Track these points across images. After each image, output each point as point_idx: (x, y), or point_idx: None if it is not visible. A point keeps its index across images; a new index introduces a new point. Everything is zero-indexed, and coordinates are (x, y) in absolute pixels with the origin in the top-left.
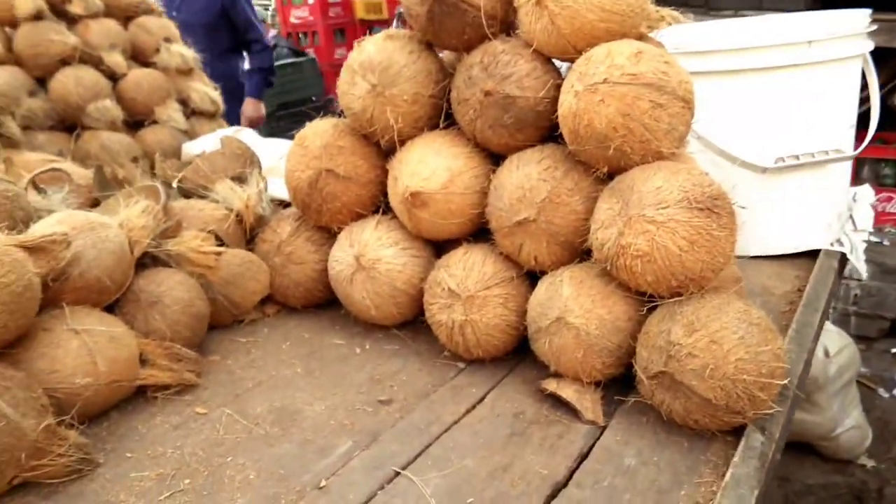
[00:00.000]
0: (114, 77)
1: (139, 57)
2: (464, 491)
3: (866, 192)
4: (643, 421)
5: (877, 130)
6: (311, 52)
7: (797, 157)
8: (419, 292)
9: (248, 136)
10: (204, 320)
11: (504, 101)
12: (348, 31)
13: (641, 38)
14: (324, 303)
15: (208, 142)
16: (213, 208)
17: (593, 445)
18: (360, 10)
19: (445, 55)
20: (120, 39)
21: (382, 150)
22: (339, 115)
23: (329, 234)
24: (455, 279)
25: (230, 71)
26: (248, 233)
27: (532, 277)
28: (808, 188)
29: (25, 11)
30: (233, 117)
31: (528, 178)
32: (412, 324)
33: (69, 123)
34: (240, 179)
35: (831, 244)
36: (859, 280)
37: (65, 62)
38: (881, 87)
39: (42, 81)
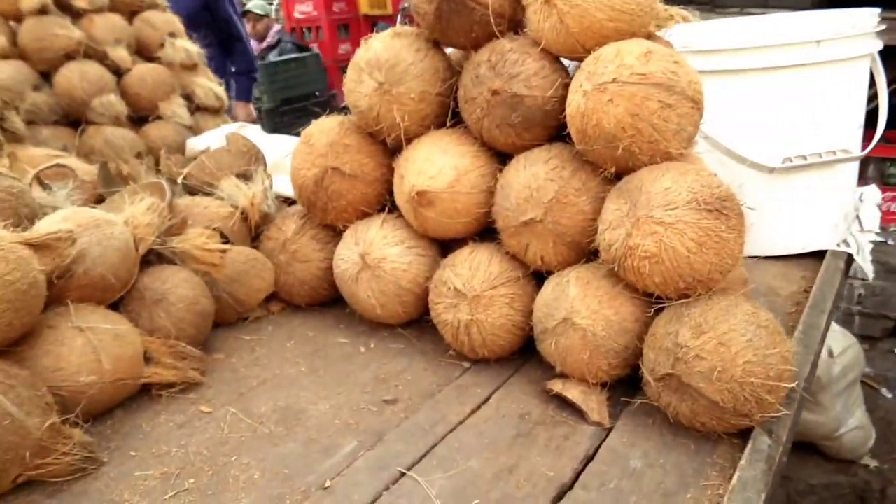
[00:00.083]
0: (118, 72)
1: (144, 52)
2: (469, 492)
3: (873, 192)
4: (649, 423)
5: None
6: (314, 48)
7: (805, 158)
8: (424, 291)
9: (252, 132)
10: (209, 318)
11: (511, 100)
12: (352, 26)
13: (650, 37)
14: (329, 301)
15: (213, 137)
16: (219, 205)
17: (599, 447)
18: (363, 6)
19: (453, 53)
20: (125, 34)
21: (389, 148)
22: (343, 111)
23: (334, 233)
24: (461, 279)
25: (216, 67)
26: (254, 230)
27: (538, 277)
28: (816, 188)
29: (30, 6)
30: None
31: (535, 177)
32: (417, 323)
33: (73, 118)
34: (245, 176)
35: (838, 245)
36: (863, 280)
37: (69, 57)
38: (889, 85)
39: (46, 76)
